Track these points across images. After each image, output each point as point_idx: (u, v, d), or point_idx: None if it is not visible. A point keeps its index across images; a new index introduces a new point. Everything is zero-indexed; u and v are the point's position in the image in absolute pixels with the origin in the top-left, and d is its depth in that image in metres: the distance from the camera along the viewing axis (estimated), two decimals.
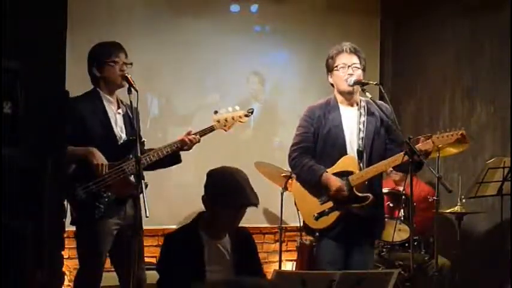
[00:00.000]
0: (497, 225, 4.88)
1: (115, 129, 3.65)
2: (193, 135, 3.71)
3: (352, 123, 3.69)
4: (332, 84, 3.78)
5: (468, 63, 5.46)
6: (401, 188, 4.75)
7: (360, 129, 3.67)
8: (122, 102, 3.72)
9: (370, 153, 3.67)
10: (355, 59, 3.68)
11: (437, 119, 5.69)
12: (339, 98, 3.74)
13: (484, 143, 5.27)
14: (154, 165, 3.69)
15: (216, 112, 3.84)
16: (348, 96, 3.71)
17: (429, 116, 5.82)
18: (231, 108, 3.88)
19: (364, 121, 3.69)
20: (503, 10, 5.05)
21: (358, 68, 3.68)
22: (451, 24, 5.60)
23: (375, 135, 3.69)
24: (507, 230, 4.68)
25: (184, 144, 3.69)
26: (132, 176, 3.50)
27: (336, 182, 3.57)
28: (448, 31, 5.63)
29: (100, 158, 3.50)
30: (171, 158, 3.72)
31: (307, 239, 4.95)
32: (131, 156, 3.52)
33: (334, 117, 3.69)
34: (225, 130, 3.85)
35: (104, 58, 3.63)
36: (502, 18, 5.07)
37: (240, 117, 3.86)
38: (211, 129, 3.79)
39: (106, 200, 3.52)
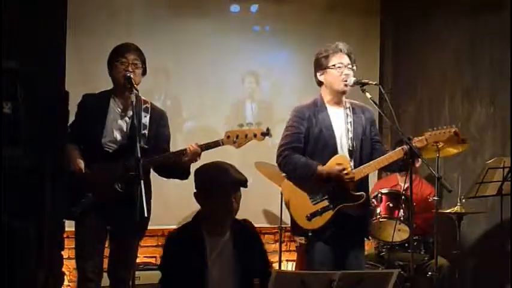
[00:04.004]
0: (497, 225, 4.88)
1: (109, 131, 3.63)
2: (195, 145, 3.59)
3: (340, 123, 3.70)
4: (320, 83, 3.75)
5: (468, 63, 5.46)
6: (402, 185, 4.73)
7: (348, 129, 3.69)
8: (133, 105, 3.54)
9: (360, 153, 3.69)
10: (350, 60, 3.69)
11: (437, 119, 5.68)
12: (327, 98, 3.73)
13: (484, 143, 5.27)
14: (161, 171, 3.71)
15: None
16: (340, 97, 3.72)
17: (429, 116, 5.82)
18: (249, 123, 3.73)
19: (351, 121, 3.71)
20: (503, 10, 5.04)
21: (352, 69, 3.68)
22: (451, 24, 5.59)
23: (363, 135, 3.72)
24: (507, 230, 4.68)
25: (186, 154, 3.58)
26: (117, 181, 3.51)
27: (335, 167, 3.56)
28: (448, 31, 5.63)
29: (75, 163, 3.51)
30: (179, 170, 3.66)
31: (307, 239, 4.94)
32: (125, 161, 3.51)
33: (324, 118, 3.68)
34: (235, 147, 3.66)
35: (112, 58, 3.68)
36: (502, 18, 5.07)
37: (255, 135, 3.64)
38: (216, 143, 3.63)
39: (83, 200, 3.51)
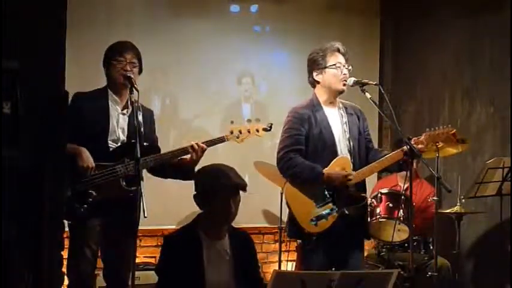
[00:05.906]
0: (497, 225, 4.88)
1: (112, 130, 3.62)
2: (199, 143, 3.61)
3: (337, 123, 3.69)
4: (315, 83, 3.72)
5: (468, 63, 5.46)
6: (402, 185, 4.73)
7: (344, 130, 3.68)
8: (131, 103, 3.64)
9: (358, 154, 3.69)
10: (345, 60, 3.69)
11: (437, 119, 5.69)
12: (323, 98, 3.71)
13: (484, 143, 5.27)
14: (162, 172, 3.68)
15: (232, 122, 3.74)
16: (336, 96, 3.71)
17: (429, 116, 5.82)
18: (248, 120, 3.81)
19: (346, 122, 3.70)
20: (503, 10, 5.04)
21: (348, 69, 3.68)
22: (451, 24, 5.60)
23: (359, 135, 3.72)
24: (507, 230, 4.68)
25: (190, 151, 3.61)
26: (123, 179, 3.49)
27: (340, 172, 3.54)
28: (448, 31, 5.63)
29: (87, 160, 3.47)
30: (180, 171, 3.65)
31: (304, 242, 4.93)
32: (127, 159, 3.50)
33: (322, 118, 3.66)
34: (238, 142, 3.73)
35: (110, 56, 3.65)
36: (502, 18, 5.07)
37: (258, 130, 3.74)
38: (221, 140, 3.69)
39: (90, 200, 3.48)
